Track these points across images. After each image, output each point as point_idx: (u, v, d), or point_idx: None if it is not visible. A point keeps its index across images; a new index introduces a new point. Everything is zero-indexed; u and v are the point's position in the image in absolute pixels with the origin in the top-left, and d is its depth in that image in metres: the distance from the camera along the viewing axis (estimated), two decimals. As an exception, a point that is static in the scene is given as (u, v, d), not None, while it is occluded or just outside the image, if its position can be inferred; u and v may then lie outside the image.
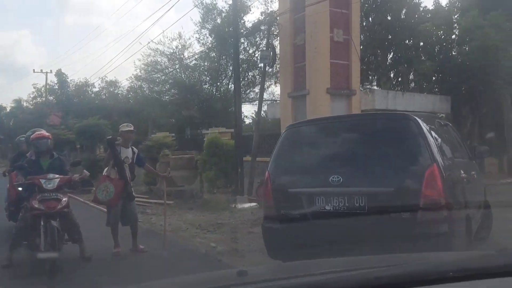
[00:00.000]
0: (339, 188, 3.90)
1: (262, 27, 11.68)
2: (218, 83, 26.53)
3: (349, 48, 11.24)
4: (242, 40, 24.25)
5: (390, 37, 17.96)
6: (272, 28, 11.89)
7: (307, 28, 11.03)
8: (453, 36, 16.01)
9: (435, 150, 3.82)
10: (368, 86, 16.87)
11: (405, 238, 3.57)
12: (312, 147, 4.47)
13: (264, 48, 11.81)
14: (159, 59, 24.37)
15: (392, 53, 18.50)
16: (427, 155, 3.71)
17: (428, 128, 4.01)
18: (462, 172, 4.55)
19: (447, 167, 3.92)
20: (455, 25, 16.14)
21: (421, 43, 17.36)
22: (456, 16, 16.60)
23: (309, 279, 1.43)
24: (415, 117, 4.01)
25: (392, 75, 18.36)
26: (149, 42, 27.15)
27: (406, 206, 3.68)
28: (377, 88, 13.86)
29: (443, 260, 1.67)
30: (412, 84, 17.30)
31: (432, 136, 3.96)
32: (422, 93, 15.19)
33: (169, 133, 19.20)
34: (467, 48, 14.60)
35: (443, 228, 3.62)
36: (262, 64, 12.19)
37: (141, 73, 25.63)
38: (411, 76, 17.53)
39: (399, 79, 18.11)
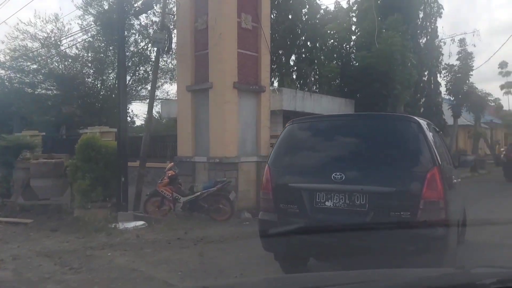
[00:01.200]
0: (341, 185, 3.94)
1: (155, 5, 9.54)
2: (104, 77, 23.37)
3: (258, 38, 9.78)
4: (133, 31, 21.63)
5: (292, 36, 17.19)
6: (169, 8, 9.85)
7: (210, 10, 9.28)
8: (354, 37, 15.77)
9: (435, 153, 3.88)
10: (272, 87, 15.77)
11: (403, 238, 3.71)
12: (315, 144, 4.47)
13: (158, 30, 9.70)
14: (30, 44, 20.32)
15: (295, 54, 17.76)
16: (429, 157, 3.79)
17: (429, 131, 4.13)
18: (453, 178, 4.64)
19: (445, 171, 4.00)
20: (354, 28, 15.93)
21: (323, 46, 16.92)
22: (354, 19, 16.43)
23: None
24: (418, 119, 4.10)
25: (294, 77, 17.61)
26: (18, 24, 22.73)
27: (406, 206, 3.72)
28: (285, 88, 12.64)
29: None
30: (315, 86, 16.70)
31: (432, 140, 4.05)
32: (326, 95, 14.51)
33: (40, 132, 15.74)
34: (369, 52, 14.32)
35: (441, 230, 3.72)
36: (155, 50, 10.06)
37: (5, 59, 21.14)
38: (314, 78, 16.93)
39: (301, 81, 17.44)
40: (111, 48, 22.27)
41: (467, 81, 22.13)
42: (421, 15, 20.04)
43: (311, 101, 12.90)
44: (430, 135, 4.06)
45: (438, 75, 25.21)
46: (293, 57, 18.77)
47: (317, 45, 16.82)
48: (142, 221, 8.08)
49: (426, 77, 25.91)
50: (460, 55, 22.19)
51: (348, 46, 15.67)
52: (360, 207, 3.85)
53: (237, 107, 9.24)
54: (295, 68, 18.58)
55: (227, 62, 9.09)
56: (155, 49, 9.83)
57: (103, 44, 21.58)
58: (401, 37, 14.58)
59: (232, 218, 8.43)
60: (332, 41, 16.29)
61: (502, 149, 37.42)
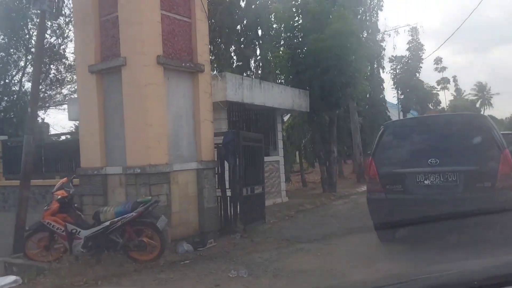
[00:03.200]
0: (436, 168, 5.43)
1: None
2: (7, 80, 19.48)
3: (191, -1, 7.08)
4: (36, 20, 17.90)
5: (231, 22, 14.67)
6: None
7: (120, -44, 6.42)
8: (300, 22, 13.55)
9: (503, 140, 5.55)
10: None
11: (486, 201, 5.07)
12: (410, 138, 5.96)
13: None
14: None
15: (236, 42, 15.24)
16: (500, 143, 5.42)
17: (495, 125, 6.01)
18: None
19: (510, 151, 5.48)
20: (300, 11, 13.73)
21: (268, 32, 14.57)
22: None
23: None
24: (487, 116, 6.85)
25: (234, 66, 15.07)
26: None
27: (487, 177, 5.24)
28: (229, 73, 10.02)
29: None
30: (261, 76, 14.26)
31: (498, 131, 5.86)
32: (278, 85, 12.07)
33: None
34: (321, 34, 12.16)
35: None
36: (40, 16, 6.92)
37: None
38: (261, 66, 14.47)
39: (246, 74, 14.92)
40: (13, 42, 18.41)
41: (418, 73, 21.07)
42: (361, 10, 18.45)
43: (261, 91, 10.42)
44: (496, 127, 5.86)
45: (381, 70, 24.18)
46: (234, 48, 16.30)
47: (263, 30, 14.45)
48: (14, 276, 4.98)
49: (369, 73, 24.88)
50: (410, 45, 21.10)
51: (296, 30, 13.45)
52: (453, 182, 5.40)
53: (164, 92, 6.43)
54: (236, 58, 16.06)
55: (146, 28, 6.27)
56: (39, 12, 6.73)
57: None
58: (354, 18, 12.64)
59: (163, 256, 5.62)
60: (277, 25, 13.99)
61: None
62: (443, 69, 36.17)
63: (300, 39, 13.39)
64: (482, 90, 78.73)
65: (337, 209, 10.82)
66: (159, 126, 6.29)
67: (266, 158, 11.68)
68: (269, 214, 9.48)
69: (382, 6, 20.36)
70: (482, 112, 73.60)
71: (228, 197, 7.39)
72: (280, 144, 12.34)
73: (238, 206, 7.30)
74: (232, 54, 15.92)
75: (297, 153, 19.81)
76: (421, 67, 20.66)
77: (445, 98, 52.42)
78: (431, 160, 5.47)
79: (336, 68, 12.05)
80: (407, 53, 20.97)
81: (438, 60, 36.01)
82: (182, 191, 6.64)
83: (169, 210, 6.26)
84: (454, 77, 44.87)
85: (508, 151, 5.36)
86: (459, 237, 5.70)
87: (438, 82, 36.65)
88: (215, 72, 11.79)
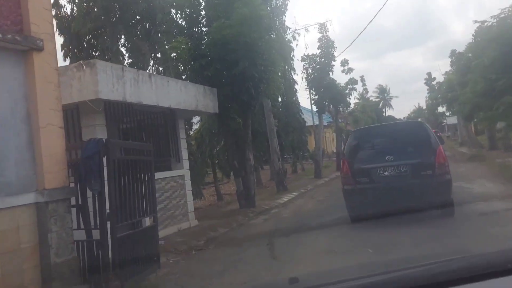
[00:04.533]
0: (393, 162, 7.24)
1: None
2: None
3: None
4: None
5: (118, 8, 12.02)
6: None
7: None
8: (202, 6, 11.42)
9: (437, 139, 7.64)
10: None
11: (429, 185, 6.91)
12: (371, 142, 8.00)
13: None
14: None
15: (126, 33, 12.57)
16: (435, 141, 7.44)
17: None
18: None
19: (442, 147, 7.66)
20: None
21: (165, 20, 12.17)
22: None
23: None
24: (424, 122, 9.43)
25: (126, 63, 12.41)
26: None
27: (428, 166, 7.11)
28: (101, 61, 7.42)
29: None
30: (158, 70, 11.81)
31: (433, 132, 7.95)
32: (177, 80, 9.65)
33: None
34: (227, 20, 10.14)
35: (448, 177, 7.14)
36: None
37: None
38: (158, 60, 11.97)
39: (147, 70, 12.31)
40: None
41: (331, 72, 20.10)
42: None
43: (152, 87, 7.98)
44: (430, 129, 7.99)
45: (292, 72, 23.14)
46: (126, 42, 13.59)
47: (156, 18, 11.99)
48: None
49: (281, 74, 23.69)
50: (321, 43, 20.06)
51: (199, 17, 11.28)
52: (405, 172, 7.19)
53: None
54: (129, 54, 13.37)
55: None
56: None
57: None
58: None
59: None
60: (175, 11, 11.65)
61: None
62: (350, 70, 36.56)
63: (203, 28, 11.22)
64: (383, 92, 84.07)
65: (256, 230, 8.77)
66: None
67: (167, 174, 9.25)
68: (168, 249, 7.08)
69: (287, 5, 19.15)
70: (384, 113, 78.80)
71: (94, 242, 4.86)
72: (185, 155, 9.98)
73: (110, 253, 4.81)
74: (123, 49, 13.20)
75: (210, 163, 17.64)
76: (333, 65, 19.70)
77: (353, 99, 54.17)
78: (388, 157, 7.32)
79: (247, 60, 10.06)
80: (318, 51, 19.84)
81: (344, 62, 36.37)
82: (4, 243, 3.99)
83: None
84: (362, 77, 46.10)
85: (441, 147, 7.47)
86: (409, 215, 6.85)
87: (347, 83, 36.81)
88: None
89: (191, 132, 16.57)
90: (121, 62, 12.54)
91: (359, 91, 50.93)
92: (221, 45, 10.30)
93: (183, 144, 9.94)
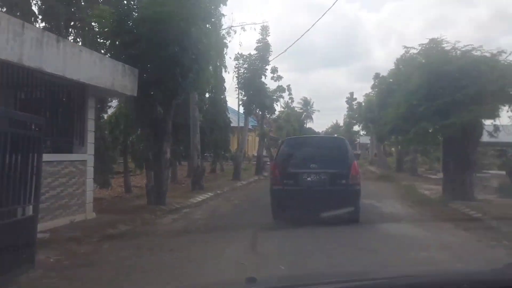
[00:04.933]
0: (315, 170, 8.39)
1: None
2: None
3: None
4: None
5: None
6: None
7: None
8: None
9: (353, 154, 9.11)
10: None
11: (343, 192, 8.22)
12: (300, 150, 8.98)
13: None
14: None
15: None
16: (352, 156, 8.83)
17: (349, 144, 9.47)
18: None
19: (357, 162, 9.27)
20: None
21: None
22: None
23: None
24: (345, 139, 10.16)
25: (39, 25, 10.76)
26: None
27: (343, 176, 8.33)
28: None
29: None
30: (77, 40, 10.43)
31: (351, 148, 9.47)
32: (91, 51, 8.43)
33: None
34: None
35: (359, 187, 8.42)
36: None
37: None
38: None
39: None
40: None
41: (264, 75, 19.81)
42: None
43: (59, 53, 6.78)
44: (350, 145, 9.27)
45: (224, 69, 22.61)
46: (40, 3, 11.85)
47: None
48: None
49: (212, 69, 23.04)
50: (259, 45, 19.65)
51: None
52: (325, 179, 8.33)
53: None
54: (42, 17, 11.69)
55: None
56: None
57: None
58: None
59: None
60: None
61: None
62: (279, 78, 36.95)
63: (133, 1, 10.10)
64: (306, 105, 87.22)
65: (161, 232, 7.93)
66: None
67: (66, 157, 8.04)
68: (52, 244, 5.99)
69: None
70: (305, 125, 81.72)
71: None
72: (91, 138, 8.80)
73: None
74: (35, 9, 11.48)
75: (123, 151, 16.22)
76: (267, 69, 19.43)
77: (280, 106, 54.98)
78: (312, 165, 8.46)
79: (178, 44, 9.20)
80: (255, 52, 19.44)
81: (274, 69, 36.68)
82: None
83: None
84: (289, 86, 46.52)
85: (356, 162, 8.77)
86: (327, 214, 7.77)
87: (275, 90, 37.11)
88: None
89: (105, 115, 15.08)
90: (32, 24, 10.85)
91: (286, 100, 51.96)
92: (151, 23, 9.31)
93: (91, 125, 8.76)
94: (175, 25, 9.14)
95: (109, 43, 9.93)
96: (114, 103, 15.67)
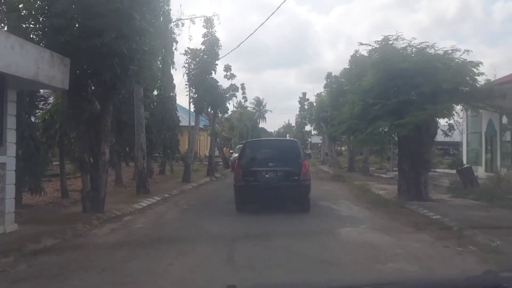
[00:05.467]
0: (273, 168, 9.72)
1: None
2: None
3: None
4: None
5: None
6: None
7: None
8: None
9: (304, 154, 10.63)
10: None
11: (295, 187, 9.58)
12: (260, 151, 10.62)
13: None
14: None
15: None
16: (303, 156, 10.19)
17: (301, 145, 11.64)
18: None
19: (307, 161, 10.48)
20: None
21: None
22: None
23: None
24: (298, 141, 11.83)
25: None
26: None
27: (295, 173, 9.68)
28: None
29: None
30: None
31: (303, 148, 11.71)
32: (10, 35, 7.12)
33: None
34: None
35: (308, 183, 9.78)
36: None
37: None
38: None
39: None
40: None
41: (214, 71, 18.89)
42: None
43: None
44: (301, 146, 11.18)
45: (172, 66, 21.58)
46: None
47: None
48: None
49: (161, 64, 21.89)
50: (206, 38, 18.69)
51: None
52: (280, 176, 9.67)
53: None
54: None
55: None
56: None
57: None
58: None
59: None
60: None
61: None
62: (233, 76, 36.12)
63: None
64: (259, 105, 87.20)
65: (96, 246, 6.84)
66: None
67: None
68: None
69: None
70: (258, 124, 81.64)
71: None
72: (11, 137, 7.51)
73: None
74: None
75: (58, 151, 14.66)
76: (217, 64, 18.55)
77: (233, 105, 53.92)
78: (270, 164, 9.89)
79: (116, 31, 8.12)
80: (202, 47, 18.44)
81: (227, 68, 35.80)
82: None
83: None
84: (243, 85, 45.88)
85: (306, 161, 10.20)
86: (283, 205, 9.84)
87: (228, 89, 36.28)
88: None
89: (39, 112, 13.49)
90: None
91: (239, 100, 51.17)
92: (84, 6, 8.16)
93: (11, 122, 7.46)
94: (113, 9, 8.05)
95: (38, 28, 8.62)
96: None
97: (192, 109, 20.72)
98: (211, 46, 18.46)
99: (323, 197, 13.15)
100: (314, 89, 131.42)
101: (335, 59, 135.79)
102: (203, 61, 18.64)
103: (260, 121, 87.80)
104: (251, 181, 9.74)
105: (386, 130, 12.12)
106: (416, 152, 12.02)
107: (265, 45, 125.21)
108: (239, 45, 46.09)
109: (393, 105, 11.55)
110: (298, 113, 65.23)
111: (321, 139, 49.94)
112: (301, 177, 9.67)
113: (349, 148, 26.48)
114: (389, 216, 9.44)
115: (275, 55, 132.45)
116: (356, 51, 22.43)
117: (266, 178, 9.69)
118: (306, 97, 61.42)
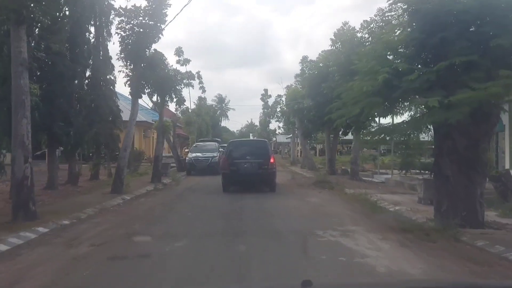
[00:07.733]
0: (249, 160, 14.17)
1: None
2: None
3: None
4: None
5: None
6: None
7: None
8: None
9: (272, 150, 19.09)
10: None
11: (264, 174, 14.09)
12: (240, 148, 15.11)
13: None
14: None
15: None
16: (271, 151, 15.71)
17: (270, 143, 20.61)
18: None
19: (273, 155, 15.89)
20: None
21: None
22: None
23: None
24: (267, 141, 17.96)
25: None
26: None
27: (265, 164, 14.14)
28: None
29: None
30: None
31: (271, 146, 23.36)
32: None
33: None
34: None
35: (274, 170, 14.48)
36: None
37: None
38: None
39: None
40: None
41: (159, 36, 13.63)
42: None
43: None
44: (269, 144, 17.52)
45: (108, 39, 16.50)
46: None
47: None
48: None
49: (93, 41, 16.67)
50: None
51: None
52: (255, 166, 14.09)
53: None
54: None
55: None
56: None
57: None
58: None
59: None
60: None
61: (186, 150, 32.71)
62: (187, 61, 30.79)
63: None
64: (221, 102, 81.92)
65: None
66: None
67: None
68: None
69: None
70: (220, 122, 76.72)
71: None
72: None
73: None
74: None
75: None
76: (164, 29, 13.32)
77: (190, 96, 48.17)
78: (248, 157, 14.12)
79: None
80: (143, 4, 13.14)
81: (179, 51, 30.46)
82: None
83: None
84: (198, 72, 39.46)
85: (273, 155, 15.41)
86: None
87: (182, 77, 30.81)
88: None
89: None
90: None
91: (199, 96, 45.72)
92: None
93: None
94: None
95: None
96: None
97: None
98: (157, 3, 13.18)
99: (318, 221, 8.57)
100: (274, 90, 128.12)
101: (295, 60, 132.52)
102: (144, 26, 13.38)
103: (223, 119, 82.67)
104: (234, 170, 14.04)
105: (424, 112, 7.59)
106: (468, 150, 7.59)
107: (226, 44, 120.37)
108: (184, 6, 40.65)
109: (438, 73, 7.02)
110: (262, 111, 60.62)
111: (287, 138, 45.52)
112: (269, 167, 14.07)
113: (328, 145, 22.06)
114: (454, 264, 4.83)
115: (237, 54, 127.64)
116: (345, 23, 18.01)
117: (245, 168, 14.02)
118: (268, 93, 57.04)
